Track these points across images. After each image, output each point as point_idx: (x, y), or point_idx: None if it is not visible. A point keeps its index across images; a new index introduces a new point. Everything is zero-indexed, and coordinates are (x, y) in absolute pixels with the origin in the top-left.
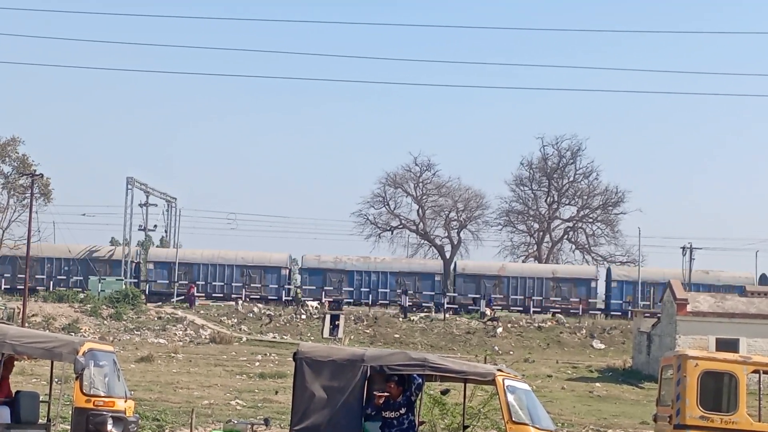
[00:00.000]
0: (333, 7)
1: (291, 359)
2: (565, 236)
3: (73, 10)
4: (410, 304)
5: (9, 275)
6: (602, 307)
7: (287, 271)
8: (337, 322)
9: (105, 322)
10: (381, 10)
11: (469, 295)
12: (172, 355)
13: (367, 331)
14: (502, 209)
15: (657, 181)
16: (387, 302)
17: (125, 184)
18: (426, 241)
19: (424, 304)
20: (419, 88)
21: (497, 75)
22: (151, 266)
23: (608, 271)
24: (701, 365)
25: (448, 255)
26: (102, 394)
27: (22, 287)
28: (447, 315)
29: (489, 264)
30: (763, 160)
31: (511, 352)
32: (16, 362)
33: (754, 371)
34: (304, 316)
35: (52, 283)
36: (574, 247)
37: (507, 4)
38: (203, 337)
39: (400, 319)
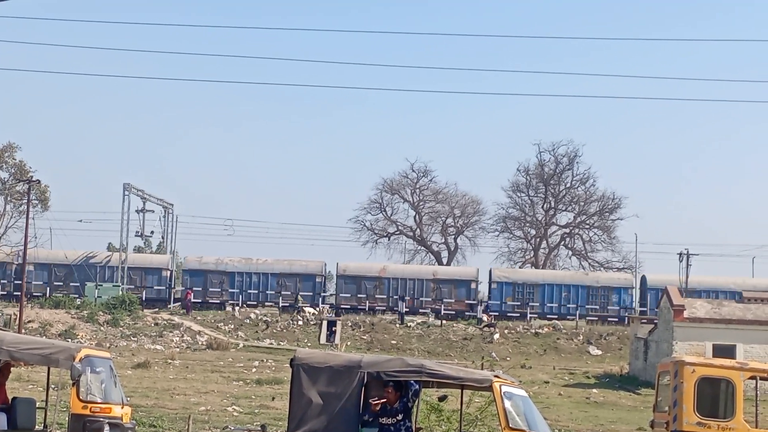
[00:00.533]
0: (329, 15)
1: (288, 365)
2: (562, 242)
3: (71, 17)
4: (407, 310)
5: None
6: (484, 307)
7: (168, 272)
8: (334, 328)
9: (102, 328)
10: (377, 16)
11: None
12: (169, 361)
13: (364, 337)
14: (498, 215)
15: (654, 187)
16: (269, 303)
17: (122, 190)
18: (423, 247)
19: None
20: (416, 95)
21: (494, 81)
22: (31, 267)
23: (490, 272)
24: (698, 371)
25: (445, 261)
26: (99, 401)
27: (19, 293)
28: (444, 322)
29: (370, 265)
30: (759, 166)
31: (508, 358)
32: (12, 368)
33: (751, 377)
34: (301, 322)
35: (48, 289)
36: (570, 253)
37: (503, 12)
38: (200, 343)
39: (397, 326)
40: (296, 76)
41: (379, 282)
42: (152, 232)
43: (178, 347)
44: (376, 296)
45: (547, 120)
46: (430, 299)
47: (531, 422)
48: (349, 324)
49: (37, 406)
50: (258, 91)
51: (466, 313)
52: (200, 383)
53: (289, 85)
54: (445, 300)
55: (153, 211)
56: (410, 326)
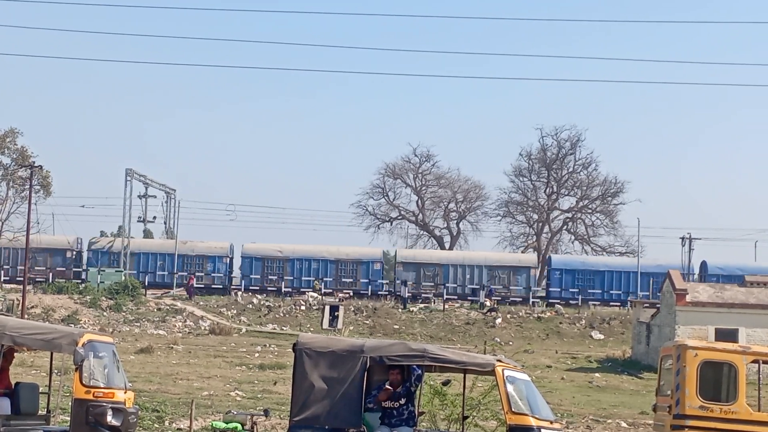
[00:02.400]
0: None
1: (290, 350)
2: (564, 227)
3: (73, 1)
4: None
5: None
6: (84, 276)
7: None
8: (336, 313)
9: (104, 313)
10: (380, 0)
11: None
12: (172, 346)
13: (367, 322)
14: (501, 200)
15: (657, 171)
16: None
17: (124, 176)
18: (425, 232)
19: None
20: (418, 79)
21: (496, 65)
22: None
23: (89, 242)
24: (701, 355)
25: (447, 246)
26: (101, 386)
27: (22, 278)
28: (447, 306)
29: None
30: (763, 150)
31: (511, 343)
32: (15, 354)
33: (754, 361)
34: (303, 307)
35: (51, 274)
36: (573, 237)
37: None
38: (203, 328)
39: (400, 310)
40: (300, 61)
41: None
42: (154, 218)
43: (180, 332)
44: None
45: (550, 104)
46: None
47: (533, 406)
48: (352, 309)
49: (40, 391)
50: (261, 75)
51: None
52: (203, 368)
53: (292, 69)
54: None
55: (155, 197)
56: (413, 311)
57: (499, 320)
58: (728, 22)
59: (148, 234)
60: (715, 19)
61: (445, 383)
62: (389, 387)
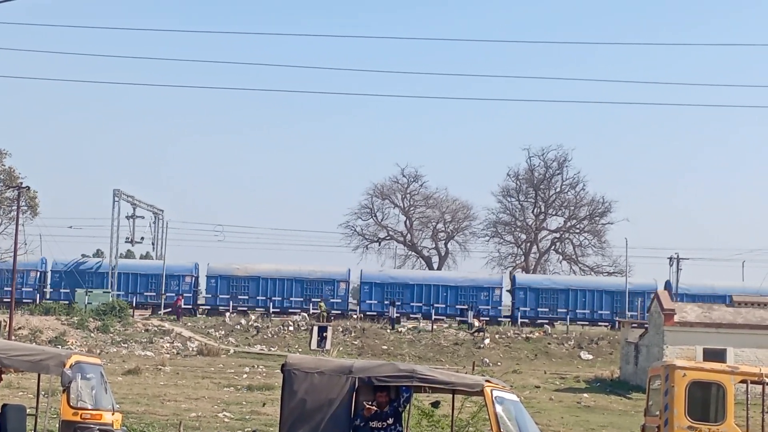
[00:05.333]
0: (319, 20)
1: (279, 371)
2: (553, 247)
3: (62, 23)
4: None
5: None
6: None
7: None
8: (324, 334)
9: (92, 334)
10: (367, 22)
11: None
12: (160, 367)
13: (355, 342)
14: (489, 220)
15: (644, 191)
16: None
17: (112, 197)
18: (413, 253)
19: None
20: (406, 100)
21: (484, 87)
22: None
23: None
24: (689, 375)
25: (435, 266)
26: (89, 407)
27: (9, 300)
28: (435, 326)
29: None
30: (751, 170)
31: (499, 363)
32: (3, 375)
33: (742, 381)
34: (291, 328)
35: (38, 295)
36: (561, 257)
37: (492, 17)
38: (190, 349)
39: (388, 331)
40: (287, 82)
41: None
42: (142, 239)
43: (168, 353)
44: None
45: (539, 125)
46: None
47: (522, 427)
48: (340, 329)
49: (27, 412)
50: (249, 97)
51: None
52: (191, 389)
53: (279, 91)
54: None
55: (143, 218)
56: (401, 332)
57: (487, 341)
58: (717, 44)
59: (130, 255)
60: (704, 40)
61: (435, 405)
62: (372, 406)
